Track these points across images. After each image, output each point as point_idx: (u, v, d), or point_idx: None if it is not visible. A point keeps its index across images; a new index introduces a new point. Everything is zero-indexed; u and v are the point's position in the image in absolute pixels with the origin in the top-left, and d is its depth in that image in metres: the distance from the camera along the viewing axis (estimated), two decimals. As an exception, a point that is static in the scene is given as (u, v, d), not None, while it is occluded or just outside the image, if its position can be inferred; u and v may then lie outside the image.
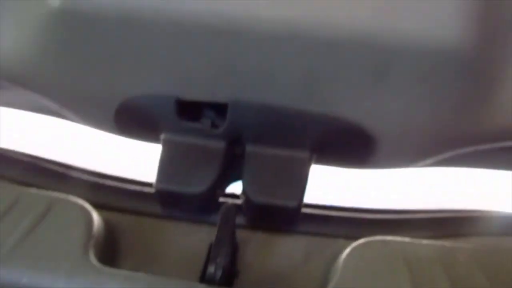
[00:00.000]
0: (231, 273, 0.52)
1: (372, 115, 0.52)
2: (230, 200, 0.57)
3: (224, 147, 0.56)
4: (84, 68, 0.54)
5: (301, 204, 0.54)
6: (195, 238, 0.57)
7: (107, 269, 0.46)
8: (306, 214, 0.56)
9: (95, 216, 0.52)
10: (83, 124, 0.62)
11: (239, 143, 0.57)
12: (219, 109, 0.56)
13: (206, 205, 0.56)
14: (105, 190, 0.61)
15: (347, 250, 0.49)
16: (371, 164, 0.58)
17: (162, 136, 0.57)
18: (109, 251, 0.53)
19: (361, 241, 0.50)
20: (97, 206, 0.54)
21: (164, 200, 0.56)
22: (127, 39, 0.51)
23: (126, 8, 0.49)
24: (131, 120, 0.58)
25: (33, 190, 0.55)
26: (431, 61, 0.47)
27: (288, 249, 0.58)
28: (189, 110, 0.56)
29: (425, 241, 0.50)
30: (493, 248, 0.53)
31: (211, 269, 0.48)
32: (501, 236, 0.56)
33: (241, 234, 0.54)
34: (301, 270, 0.54)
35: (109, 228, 0.54)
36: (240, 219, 0.56)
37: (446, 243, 0.51)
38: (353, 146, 0.55)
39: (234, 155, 0.57)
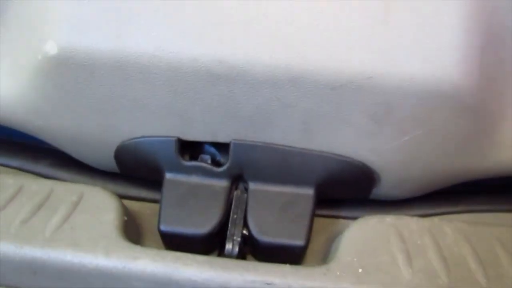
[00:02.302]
0: (243, 252, 0.55)
1: (373, 153, 0.52)
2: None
3: (227, 186, 0.56)
4: (82, 112, 0.54)
5: (308, 242, 0.54)
6: None
7: (139, 247, 0.51)
8: None
9: (121, 203, 0.56)
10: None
11: (242, 181, 0.57)
12: (220, 146, 0.56)
13: (211, 244, 0.56)
14: (125, 182, 0.64)
15: (348, 228, 0.53)
16: (374, 195, 0.58)
17: (164, 176, 0.57)
18: (135, 233, 0.57)
19: (359, 219, 0.54)
20: (119, 196, 0.57)
21: (169, 241, 0.56)
22: (125, 84, 0.50)
23: (124, 54, 0.48)
24: (131, 160, 0.58)
25: (64, 183, 0.60)
26: (429, 102, 0.47)
27: None
28: (190, 148, 0.57)
29: (416, 218, 0.53)
30: (476, 222, 0.58)
31: (229, 245, 0.53)
32: (483, 213, 0.61)
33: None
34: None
35: (132, 213, 0.59)
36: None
37: (435, 219, 0.56)
38: (356, 181, 0.55)
39: (237, 193, 0.57)
